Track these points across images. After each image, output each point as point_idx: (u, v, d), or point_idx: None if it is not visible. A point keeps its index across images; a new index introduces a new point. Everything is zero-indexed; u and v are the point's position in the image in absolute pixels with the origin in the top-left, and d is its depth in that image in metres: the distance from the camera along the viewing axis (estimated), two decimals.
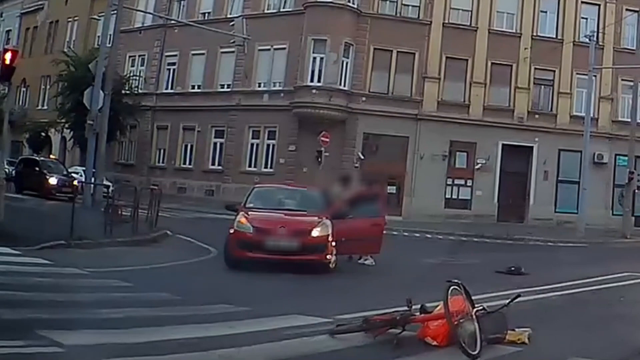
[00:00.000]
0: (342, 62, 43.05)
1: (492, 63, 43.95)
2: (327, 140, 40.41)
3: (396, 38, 43.15)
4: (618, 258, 26.31)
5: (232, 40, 36.62)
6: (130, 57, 53.72)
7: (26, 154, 55.00)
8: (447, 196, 43.65)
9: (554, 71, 44.45)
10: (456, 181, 43.88)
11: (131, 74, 52.13)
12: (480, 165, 43.58)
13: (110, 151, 53.47)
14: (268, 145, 45.78)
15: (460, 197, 43.87)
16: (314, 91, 42.90)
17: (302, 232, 17.16)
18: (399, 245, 24.49)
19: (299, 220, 17.70)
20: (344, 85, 43.32)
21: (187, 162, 49.76)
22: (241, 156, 46.47)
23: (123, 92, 48.81)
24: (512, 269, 18.88)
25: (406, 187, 43.35)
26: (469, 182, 43.91)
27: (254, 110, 46.00)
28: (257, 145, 46.20)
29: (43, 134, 58.31)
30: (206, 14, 49.46)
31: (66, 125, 50.37)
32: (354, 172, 34.85)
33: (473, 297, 9.60)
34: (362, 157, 42.92)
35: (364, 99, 43.66)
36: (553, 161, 43.97)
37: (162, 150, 51.74)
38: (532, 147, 43.99)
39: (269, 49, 45.83)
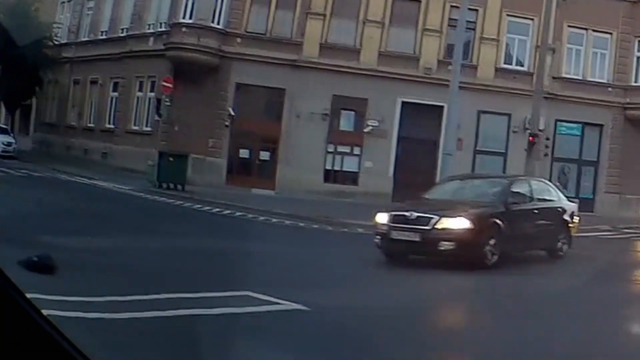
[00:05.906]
0: None
1: None
2: (170, 85, 32.57)
3: None
4: None
5: None
6: (61, 2, 47.61)
7: None
8: (327, 167, 34.35)
9: (477, 10, 33.91)
10: (340, 148, 34.65)
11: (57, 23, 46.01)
12: (371, 128, 34.01)
13: (38, 110, 48.38)
14: (149, 99, 38.10)
15: (344, 169, 34.56)
16: (184, 29, 34.85)
17: None
18: None
19: None
20: (218, 23, 34.92)
21: (91, 121, 43.12)
22: (128, 113, 39.29)
23: (44, 42, 43.08)
24: (35, 259, 9.77)
25: (281, 153, 34.45)
26: (357, 150, 34.64)
27: (140, 57, 38.61)
28: (141, 98, 38.80)
29: None
30: None
31: None
32: None
33: None
34: (233, 114, 34.60)
35: (239, 40, 35.09)
36: (470, 126, 33.57)
37: (75, 108, 45.28)
38: (442, 107, 32.93)
39: None
